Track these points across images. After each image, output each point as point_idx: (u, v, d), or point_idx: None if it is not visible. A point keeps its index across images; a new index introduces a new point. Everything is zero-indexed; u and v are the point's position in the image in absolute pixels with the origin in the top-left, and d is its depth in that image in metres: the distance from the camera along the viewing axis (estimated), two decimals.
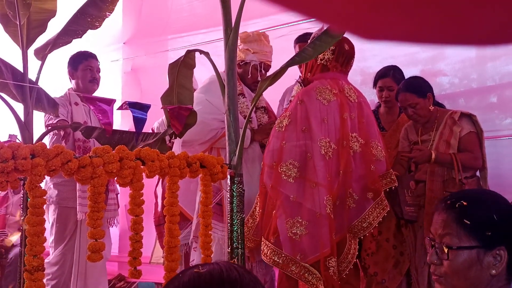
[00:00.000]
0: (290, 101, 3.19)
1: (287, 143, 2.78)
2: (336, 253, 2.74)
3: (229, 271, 0.97)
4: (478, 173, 3.24)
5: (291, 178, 2.72)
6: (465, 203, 1.38)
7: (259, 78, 3.29)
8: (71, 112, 3.56)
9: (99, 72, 3.77)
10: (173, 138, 2.77)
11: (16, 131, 2.73)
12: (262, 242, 2.76)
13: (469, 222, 1.35)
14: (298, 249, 2.65)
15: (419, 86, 3.24)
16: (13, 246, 4.47)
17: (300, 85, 3.09)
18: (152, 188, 3.57)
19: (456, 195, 1.45)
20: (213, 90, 3.26)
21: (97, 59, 3.75)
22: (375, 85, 3.68)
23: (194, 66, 2.69)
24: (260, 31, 3.49)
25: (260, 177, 2.86)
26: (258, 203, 2.88)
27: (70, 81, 3.73)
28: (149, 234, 3.71)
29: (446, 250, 1.37)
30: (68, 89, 3.69)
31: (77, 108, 3.60)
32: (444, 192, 3.08)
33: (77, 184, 3.45)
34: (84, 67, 3.67)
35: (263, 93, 3.51)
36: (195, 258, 3.27)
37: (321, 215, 2.68)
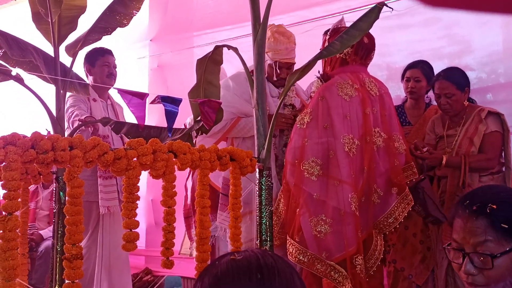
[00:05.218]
0: (311, 97, 3.17)
1: (309, 141, 2.77)
2: (363, 250, 2.73)
3: (265, 257, 1.00)
4: (504, 169, 3.20)
5: (313, 176, 2.71)
6: (494, 206, 1.32)
7: (274, 78, 3.27)
8: (90, 108, 3.63)
9: (116, 67, 3.84)
10: (199, 134, 2.80)
11: (48, 126, 2.80)
12: (288, 241, 2.75)
13: (507, 226, 1.30)
14: (323, 248, 2.64)
15: (460, 78, 3.19)
16: (44, 239, 4.57)
17: (320, 80, 3.06)
18: (182, 182, 3.60)
19: (479, 199, 1.38)
20: (230, 85, 3.29)
21: (113, 55, 3.84)
22: (403, 77, 3.64)
23: (222, 62, 2.72)
24: (275, 28, 3.26)
25: (283, 174, 2.86)
26: (281, 200, 2.88)
27: (87, 77, 3.80)
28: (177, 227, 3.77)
29: (487, 259, 1.31)
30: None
31: (96, 104, 3.68)
32: (460, 192, 3.05)
33: (99, 179, 3.52)
34: (101, 63, 3.75)
35: (301, 91, 3.53)
36: (220, 246, 3.32)
37: (345, 213, 2.67)
